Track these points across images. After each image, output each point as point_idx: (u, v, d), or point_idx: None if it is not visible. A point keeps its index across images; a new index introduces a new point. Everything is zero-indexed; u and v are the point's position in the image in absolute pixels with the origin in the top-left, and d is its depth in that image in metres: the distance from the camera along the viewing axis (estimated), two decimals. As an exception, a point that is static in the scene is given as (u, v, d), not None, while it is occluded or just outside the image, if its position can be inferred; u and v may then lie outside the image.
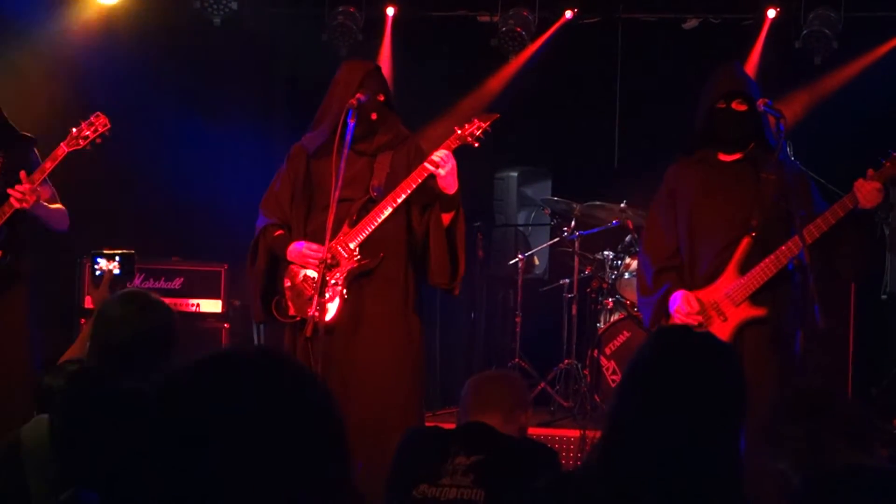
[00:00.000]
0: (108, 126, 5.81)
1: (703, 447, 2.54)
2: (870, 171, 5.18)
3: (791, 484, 3.20)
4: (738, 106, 5.38)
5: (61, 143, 5.77)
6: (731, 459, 2.57)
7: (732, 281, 5.32)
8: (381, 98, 5.60)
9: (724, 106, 5.41)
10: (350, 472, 2.05)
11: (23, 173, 5.72)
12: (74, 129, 5.80)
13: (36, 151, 6.03)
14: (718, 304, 5.32)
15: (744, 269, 5.29)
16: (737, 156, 5.48)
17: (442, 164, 5.27)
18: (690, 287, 5.41)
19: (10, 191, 5.69)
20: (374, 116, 5.46)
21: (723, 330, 5.33)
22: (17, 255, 5.96)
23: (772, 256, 5.18)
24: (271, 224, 5.60)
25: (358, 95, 5.41)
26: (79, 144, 5.82)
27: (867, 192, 5.14)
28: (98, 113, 5.83)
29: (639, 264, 5.75)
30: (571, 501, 2.63)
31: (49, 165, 5.77)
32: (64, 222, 6.11)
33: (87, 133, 5.83)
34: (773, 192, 5.22)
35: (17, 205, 5.75)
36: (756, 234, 5.25)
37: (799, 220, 5.16)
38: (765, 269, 5.20)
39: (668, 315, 5.40)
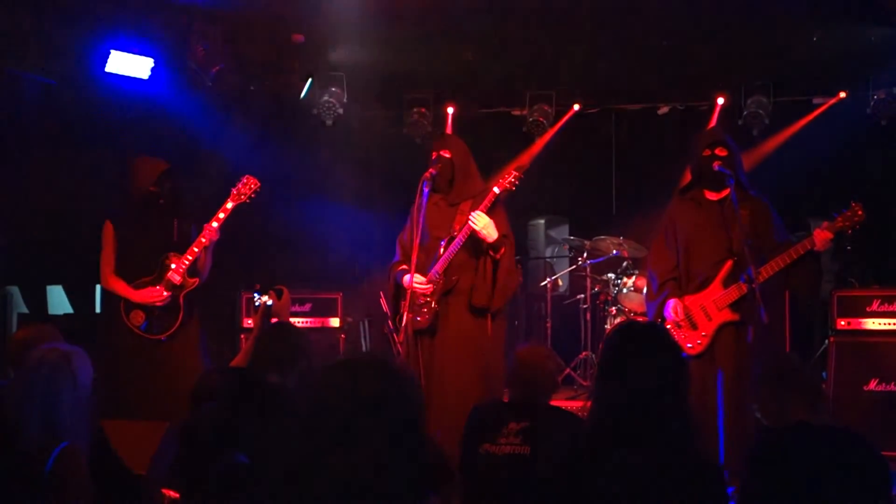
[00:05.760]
0: (259, 184, 5.84)
1: (656, 396, 2.58)
2: (825, 223, 5.17)
3: (762, 426, 3.30)
4: (721, 152, 5.37)
5: (227, 199, 5.71)
6: (677, 405, 2.61)
7: (718, 291, 5.38)
8: (448, 155, 5.61)
9: (708, 153, 5.39)
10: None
11: (210, 223, 5.75)
12: (234, 189, 5.82)
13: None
14: (706, 308, 5.36)
15: (726, 283, 5.37)
16: (718, 195, 5.46)
17: (475, 223, 5.41)
18: (686, 292, 5.48)
19: (206, 226, 5.67)
20: (447, 176, 5.61)
21: (708, 326, 5.33)
22: (194, 285, 5.85)
23: (744, 279, 5.21)
24: (397, 261, 5.84)
25: (431, 170, 5.56)
26: (241, 199, 5.84)
27: (822, 240, 5.15)
28: (248, 175, 5.84)
29: (647, 276, 5.77)
30: (583, 442, 2.78)
31: (223, 215, 5.78)
32: (206, 271, 5.92)
33: (245, 191, 5.84)
34: (746, 223, 5.26)
35: (206, 242, 5.68)
36: (737, 259, 5.34)
37: (757, 248, 5.22)
38: (740, 287, 5.31)
39: (663, 317, 5.48)
